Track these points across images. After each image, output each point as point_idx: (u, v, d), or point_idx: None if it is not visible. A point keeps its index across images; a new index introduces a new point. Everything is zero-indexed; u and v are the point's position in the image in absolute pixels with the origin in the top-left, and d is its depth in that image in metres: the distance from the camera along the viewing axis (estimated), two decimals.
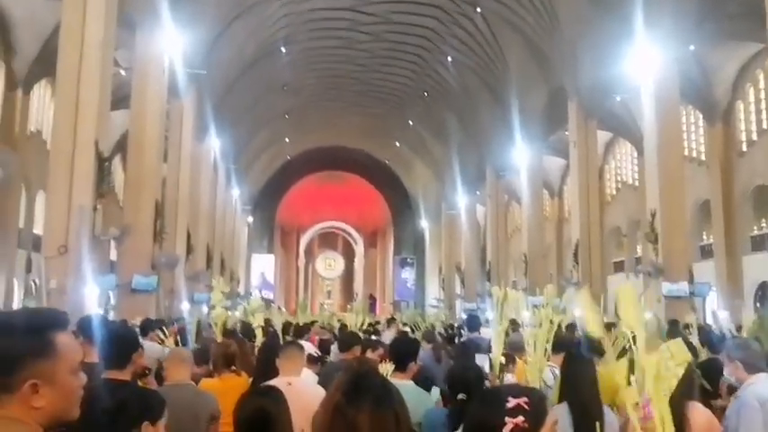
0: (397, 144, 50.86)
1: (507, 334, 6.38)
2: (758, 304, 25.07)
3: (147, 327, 10.32)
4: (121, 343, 3.72)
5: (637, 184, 33.17)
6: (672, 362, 2.59)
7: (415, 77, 39.50)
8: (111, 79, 17.61)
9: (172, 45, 22.32)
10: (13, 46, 24.96)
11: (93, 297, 14.57)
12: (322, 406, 1.72)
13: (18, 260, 24.49)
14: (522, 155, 33.45)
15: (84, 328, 4.27)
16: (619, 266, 34.99)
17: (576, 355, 5.08)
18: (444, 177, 48.21)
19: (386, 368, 4.48)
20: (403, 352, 4.93)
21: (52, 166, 15.27)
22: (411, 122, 45.60)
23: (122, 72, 23.96)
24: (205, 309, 26.67)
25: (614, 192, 37.43)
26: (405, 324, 18.51)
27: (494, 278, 38.08)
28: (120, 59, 22.80)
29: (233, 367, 5.76)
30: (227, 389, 5.09)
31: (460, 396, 3.80)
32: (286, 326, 13.61)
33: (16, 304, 23.27)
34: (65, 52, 15.43)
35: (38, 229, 23.07)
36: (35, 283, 22.07)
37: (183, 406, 3.93)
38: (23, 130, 26.06)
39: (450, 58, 35.61)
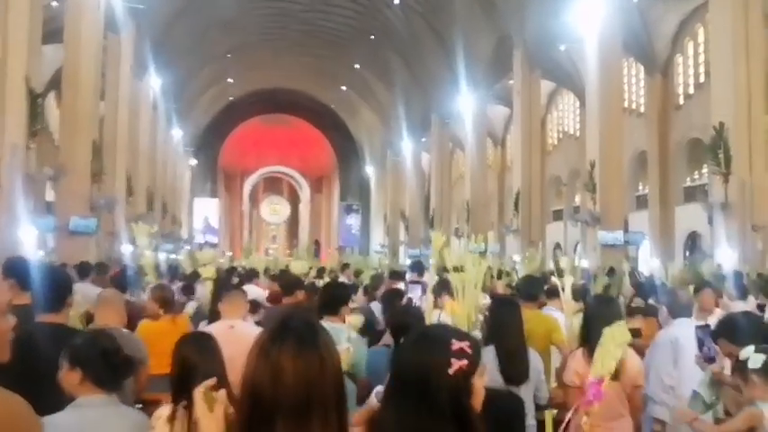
0: (343, 88, 50.23)
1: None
2: (687, 253, 26.20)
3: (86, 270, 10.16)
4: (56, 285, 3.65)
5: (578, 134, 33.76)
6: (613, 344, 2.83)
7: (360, 19, 38.79)
8: (42, 11, 16.79)
9: None
10: None
11: (30, 239, 14.21)
12: (251, 347, 1.68)
13: None
14: (466, 102, 33.55)
15: (13, 270, 4.13)
16: (558, 215, 35.88)
17: (504, 299, 5.28)
18: (390, 123, 48.06)
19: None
20: (335, 296, 5.04)
21: None
22: (357, 66, 45.00)
23: (54, 3, 22.80)
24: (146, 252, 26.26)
25: (556, 142, 38.03)
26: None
27: (437, 225, 38.59)
28: None
29: (171, 311, 5.77)
30: (164, 331, 5.10)
31: (403, 340, 3.86)
32: (230, 270, 13.60)
33: None
34: None
35: None
36: None
37: None
38: None
39: (396, 0, 35.05)
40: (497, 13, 29.92)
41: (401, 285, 8.80)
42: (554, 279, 6.49)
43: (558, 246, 34.62)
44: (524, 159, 29.35)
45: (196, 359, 3.08)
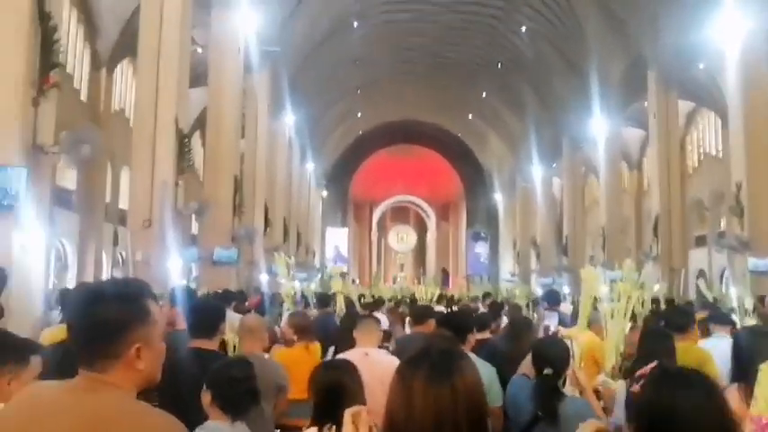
0: (471, 117, 50.26)
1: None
2: None
3: (228, 297, 10.70)
4: (210, 314, 3.87)
5: (720, 155, 31.75)
6: None
7: (488, 48, 38.80)
8: (189, 57, 18.10)
9: (246, 23, 22.69)
10: (96, 27, 25.92)
11: (176, 269, 15.18)
12: (394, 373, 1.71)
13: (105, 233, 25.66)
14: (599, 126, 32.50)
15: (176, 298, 4.50)
16: (701, 241, 33.75)
17: (656, 331, 5.02)
18: (519, 149, 47.43)
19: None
20: (460, 324, 4.96)
21: (135, 143, 15.87)
22: (484, 94, 44.94)
23: (199, 50, 24.55)
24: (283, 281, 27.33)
25: (696, 163, 35.95)
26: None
27: (571, 252, 37.44)
28: (197, 38, 23.36)
29: (306, 338, 5.92)
30: (299, 358, 5.24)
31: (547, 371, 3.73)
32: (360, 299, 13.88)
33: (105, 275, 24.46)
34: (145, 32, 15.93)
35: (123, 204, 24.06)
36: (122, 256, 23.10)
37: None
38: (108, 109, 27.13)
39: (524, 28, 34.79)
40: (629, 34, 28.94)
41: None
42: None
43: (701, 273, 32.51)
44: (662, 182, 27.96)
45: (344, 384, 3.15)
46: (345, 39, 35.81)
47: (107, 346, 1.64)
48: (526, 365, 4.40)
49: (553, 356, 3.84)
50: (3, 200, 7.90)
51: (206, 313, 3.84)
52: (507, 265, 52.93)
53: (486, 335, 6.25)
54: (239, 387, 3.05)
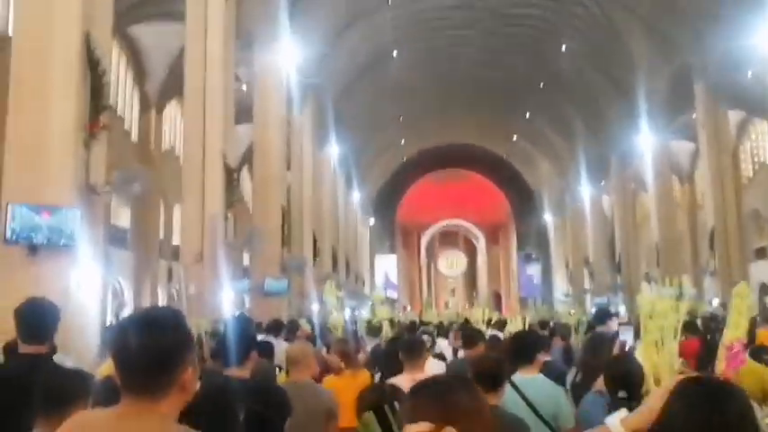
0: (515, 138, 50.04)
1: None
2: None
3: (279, 327, 10.81)
4: (241, 342, 3.91)
5: None
6: None
7: (529, 69, 38.69)
8: (234, 95, 18.56)
9: (288, 58, 23.16)
10: (144, 70, 26.84)
11: (228, 301, 15.41)
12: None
13: (160, 269, 26.26)
14: (646, 141, 31.93)
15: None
16: (761, 253, 32.61)
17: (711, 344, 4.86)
18: (566, 168, 46.90)
19: None
20: (526, 345, 4.82)
21: (185, 180, 16.25)
22: (528, 115, 44.73)
23: (244, 87, 25.14)
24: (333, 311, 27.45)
25: (751, 174, 34.89)
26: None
27: (624, 270, 36.64)
28: (241, 75, 23.95)
29: (353, 365, 5.93)
30: (347, 386, 5.24)
31: (621, 394, 3.56)
32: (411, 325, 13.80)
33: None
34: (190, 73, 16.39)
35: (176, 240, 24.59)
36: (176, 290, 23.56)
37: (301, 405, 4.07)
38: (158, 148, 27.95)
39: (564, 47, 34.63)
40: (672, 45, 28.51)
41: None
42: None
43: (764, 287, 31.37)
44: (716, 195, 27.27)
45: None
46: (386, 68, 36.21)
47: (165, 372, 1.68)
48: (600, 383, 4.21)
49: (629, 377, 3.62)
50: (59, 240, 8.17)
51: (236, 342, 3.89)
52: (560, 286, 52.07)
53: (546, 357, 6.15)
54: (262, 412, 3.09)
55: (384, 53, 35.14)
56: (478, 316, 14.71)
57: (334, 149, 35.34)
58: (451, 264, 64.78)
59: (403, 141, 49.80)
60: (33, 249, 8.14)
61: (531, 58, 37.51)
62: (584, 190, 43.09)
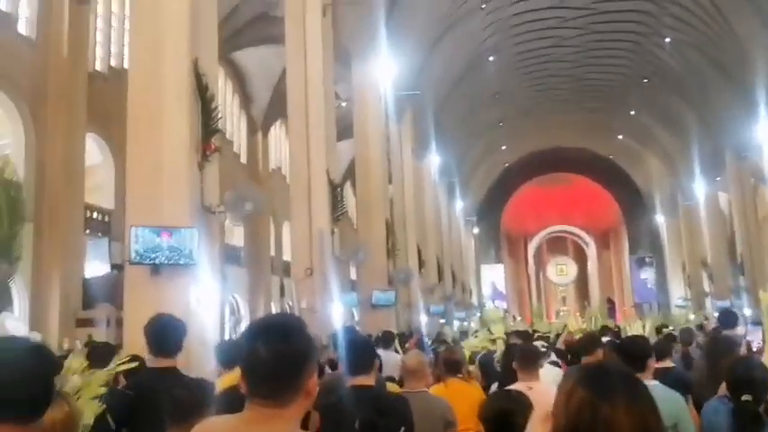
0: (621, 137, 48.27)
1: None
2: None
3: (389, 339, 10.87)
4: (364, 353, 3.96)
5: None
6: None
7: (631, 65, 37.32)
8: (335, 112, 18.97)
9: (385, 72, 23.42)
10: (250, 95, 27.96)
11: (339, 314, 15.69)
12: (563, 404, 1.58)
13: (273, 285, 27.09)
14: (765, 131, 29.94)
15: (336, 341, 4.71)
16: None
17: None
18: (677, 166, 44.78)
19: None
20: (636, 351, 4.63)
21: (292, 197, 16.74)
22: (633, 113, 43.08)
23: (343, 104, 25.65)
24: (441, 321, 27.42)
25: None
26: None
27: (748, 271, 34.45)
28: (340, 93, 24.47)
29: (459, 374, 5.84)
30: (453, 394, 5.18)
31: (745, 397, 3.37)
32: (525, 333, 13.48)
33: None
34: (292, 93, 16.91)
35: (287, 256, 25.31)
36: (289, 305, 24.21)
37: (418, 413, 4.05)
38: (266, 168, 28.98)
39: (668, 39, 33.14)
40: None
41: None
42: None
43: None
44: None
45: (514, 413, 3.08)
46: (483, 74, 35.93)
47: (295, 377, 1.70)
48: (724, 389, 3.97)
49: (753, 380, 3.44)
50: (179, 259, 8.58)
51: (361, 350, 3.93)
52: (677, 290, 49.60)
53: (668, 363, 5.84)
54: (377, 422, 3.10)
55: (480, 59, 34.91)
56: (590, 326, 14.14)
57: (434, 159, 35.36)
58: (561, 271, 63.05)
59: (504, 147, 49.16)
60: (156, 269, 8.58)
61: (633, 53, 36.19)
62: (698, 187, 40.91)
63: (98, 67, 20.99)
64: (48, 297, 17.09)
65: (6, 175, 15.06)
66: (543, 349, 7.73)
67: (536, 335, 12.20)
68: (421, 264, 28.85)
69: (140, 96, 9.09)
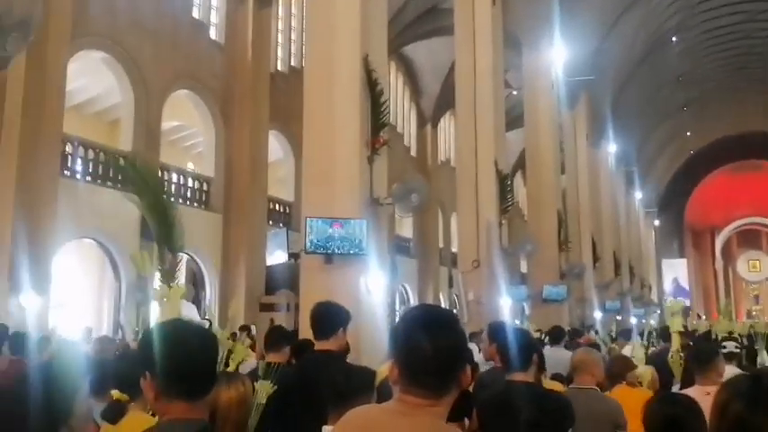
0: None
1: None
2: None
3: (558, 335, 10.54)
4: (525, 347, 3.87)
5: None
6: None
7: None
8: (504, 101, 18.69)
9: (558, 57, 22.69)
10: (419, 88, 28.34)
11: (507, 307, 15.50)
12: (718, 414, 1.49)
13: (441, 276, 27.36)
14: None
15: (496, 334, 4.61)
16: None
17: None
18: None
19: None
20: None
21: (459, 189, 16.76)
22: None
23: (514, 93, 25.20)
24: (617, 317, 26.23)
25: None
26: None
27: None
28: (511, 81, 24.06)
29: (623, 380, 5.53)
30: (624, 396, 4.91)
31: None
32: (706, 334, 12.52)
33: None
34: (461, 85, 16.89)
35: (455, 248, 25.44)
36: (457, 296, 24.36)
37: (583, 411, 3.89)
38: (435, 160, 29.26)
39: None
40: None
41: None
42: None
43: None
44: None
45: (684, 421, 2.87)
46: (665, 56, 33.69)
47: (453, 370, 1.69)
48: None
49: None
50: (350, 249, 8.93)
51: (521, 347, 3.84)
52: None
53: None
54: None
55: (661, 40, 32.77)
56: None
57: (611, 148, 33.76)
58: (753, 267, 57.62)
59: (689, 133, 45.76)
60: (329, 258, 9.00)
61: None
62: None
63: (279, 67, 22.27)
64: (234, 283, 18.52)
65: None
66: (736, 350, 7.12)
67: (724, 335, 11.29)
68: (596, 257, 27.73)
69: (315, 93, 9.55)
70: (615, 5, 27.48)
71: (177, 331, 1.82)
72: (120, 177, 16.14)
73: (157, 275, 4.62)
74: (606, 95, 30.76)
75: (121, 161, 15.38)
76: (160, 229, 5.39)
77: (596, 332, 16.45)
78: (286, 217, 21.75)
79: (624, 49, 30.76)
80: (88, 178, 16.05)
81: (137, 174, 6.04)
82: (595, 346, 8.29)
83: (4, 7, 4.10)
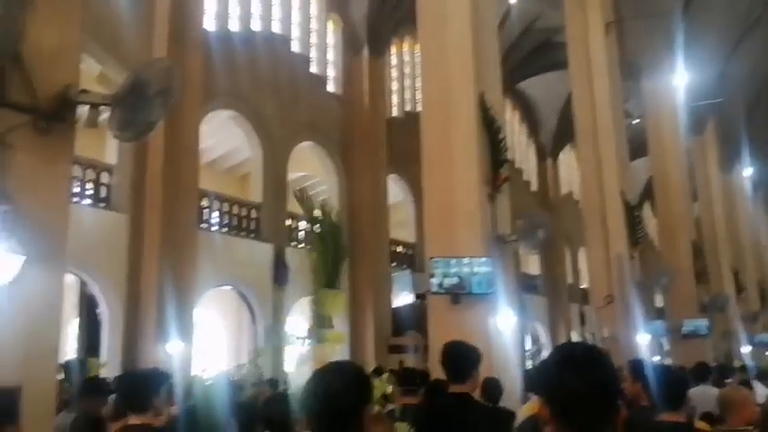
0: None
1: None
2: None
3: (704, 371, 9.89)
4: (671, 385, 3.69)
5: None
6: None
7: None
8: (626, 131, 18.12)
9: (680, 82, 21.78)
10: (537, 123, 28.03)
11: (644, 344, 14.76)
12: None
13: (572, 313, 26.49)
14: None
15: (639, 372, 4.46)
16: None
17: None
18: None
19: None
20: None
21: (586, 222, 16.29)
22: None
23: (635, 122, 24.38)
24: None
25: None
26: None
27: None
28: (631, 110, 23.32)
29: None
30: None
31: None
32: None
33: None
34: (580, 116, 16.56)
35: (584, 283, 24.64)
36: (591, 334, 23.48)
37: None
38: (557, 194, 28.64)
39: None
40: None
41: None
42: None
43: None
44: None
45: None
46: None
47: (611, 408, 1.63)
48: None
49: None
50: (475, 288, 8.86)
51: (668, 385, 3.67)
52: None
53: None
54: None
55: None
56: None
57: (746, 171, 31.68)
58: None
59: None
60: (455, 298, 8.96)
61: None
62: None
63: (394, 113, 22.80)
64: (363, 324, 18.82)
65: (333, 219, 17.25)
66: None
67: None
68: (739, 288, 25.92)
69: (432, 135, 9.69)
70: (737, 23, 26.10)
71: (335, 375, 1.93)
72: (251, 227, 17.09)
73: (310, 318, 4.80)
74: (737, 118, 29.03)
75: (253, 212, 16.24)
76: (330, 278, 5.66)
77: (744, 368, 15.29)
78: (409, 258, 21.95)
79: (752, 66, 29.01)
80: (224, 229, 17.02)
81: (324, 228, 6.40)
82: (746, 384, 7.72)
83: (147, 78, 4.54)
